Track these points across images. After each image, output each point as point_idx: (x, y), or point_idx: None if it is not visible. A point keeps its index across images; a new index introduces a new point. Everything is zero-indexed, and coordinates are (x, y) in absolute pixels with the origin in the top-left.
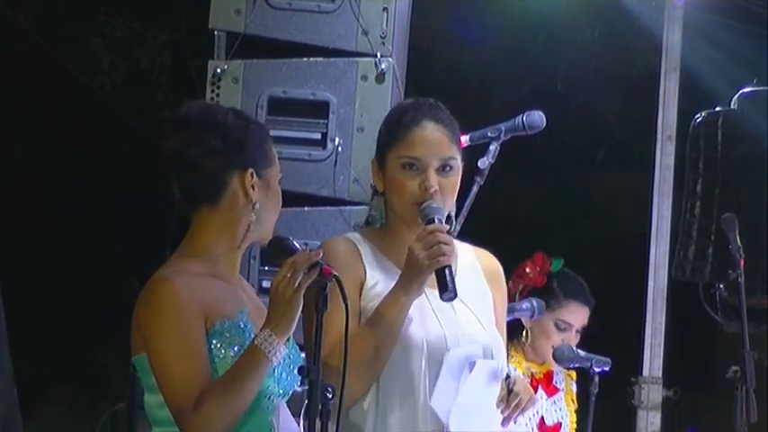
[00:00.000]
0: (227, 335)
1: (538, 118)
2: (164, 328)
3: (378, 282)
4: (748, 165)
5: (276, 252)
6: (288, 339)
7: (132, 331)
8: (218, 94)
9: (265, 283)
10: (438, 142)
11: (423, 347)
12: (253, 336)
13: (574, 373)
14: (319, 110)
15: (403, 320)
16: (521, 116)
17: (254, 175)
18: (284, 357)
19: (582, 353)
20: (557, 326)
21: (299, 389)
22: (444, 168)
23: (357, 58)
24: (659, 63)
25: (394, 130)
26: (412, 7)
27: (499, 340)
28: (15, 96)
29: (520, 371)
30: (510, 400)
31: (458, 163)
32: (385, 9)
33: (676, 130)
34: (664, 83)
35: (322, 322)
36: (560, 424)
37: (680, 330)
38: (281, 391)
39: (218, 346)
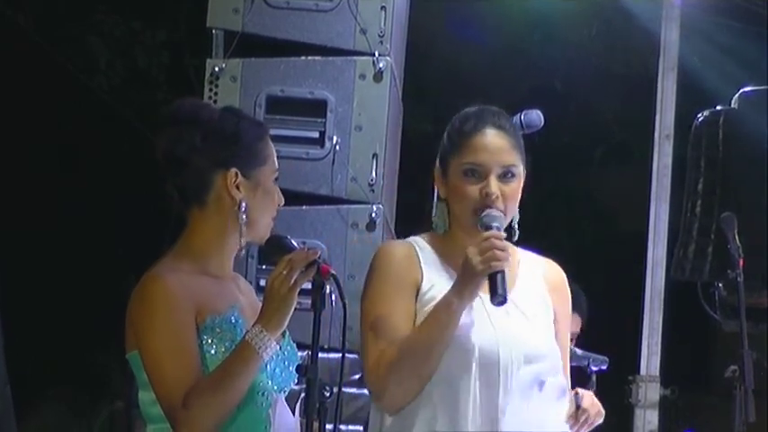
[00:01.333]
0: (218, 330)
1: (536, 117)
2: (155, 326)
3: (434, 285)
4: (749, 164)
5: (274, 250)
6: (284, 336)
7: (126, 328)
8: (216, 93)
9: (263, 282)
10: (499, 149)
11: (474, 351)
12: (244, 331)
13: None
14: (317, 108)
15: (455, 325)
16: (519, 115)
17: (240, 174)
18: (278, 353)
19: (579, 351)
20: None
21: (295, 387)
22: (506, 175)
23: (355, 57)
24: (657, 62)
25: (456, 138)
26: (410, 6)
27: (554, 349)
28: (15, 96)
29: None
30: (579, 415)
31: (519, 170)
32: (383, 8)
33: (674, 129)
34: (661, 82)
35: (320, 320)
36: None
37: (678, 329)
38: (276, 387)
39: (209, 341)
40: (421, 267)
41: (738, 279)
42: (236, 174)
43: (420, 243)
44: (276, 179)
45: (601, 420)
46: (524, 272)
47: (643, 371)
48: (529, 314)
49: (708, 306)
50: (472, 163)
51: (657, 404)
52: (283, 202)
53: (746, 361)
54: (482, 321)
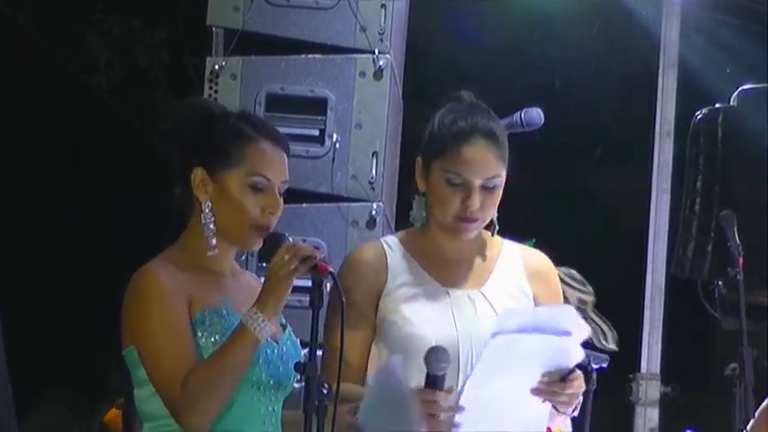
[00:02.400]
0: (208, 323)
1: (536, 115)
2: (149, 317)
3: (401, 285)
4: (748, 162)
5: (273, 249)
6: (284, 330)
7: (122, 326)
8: (216, 91)
9: (263, 279)
10: (485, 162)
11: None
12: (236, 324)
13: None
14: (317, 106)
15: None
16: (519, 113)
17: (207, 174)
18: (277, 348)
19: None
20: None
21: (295, 384)
22: (487, 187)
23: (355, 55)
24: (657, 60)
25: (443, 140)
26: (410, 4)
27: None
28: (15, 96)
29: None
30: (551, 382)
31: (501, 180)
32: (383, 6)
33: (674, 126)
34: (662, 79)
35: (318, 318)
36: None
37: (678, 327)
38: (273, 382)
39: (201, 335)
40: (387, 270)
41: (738, 277)
42: (201, 173)
43: (393, 242)
44: (255, 186)
45: (568, 407)
46: (503, 262)
47: (644, 369)
48: (499, 308)
49: (708, 304)
50: (457, 174)
51: (658, 402)
52: (281, 207)
53: (747, 359)
54: (444, 318)
